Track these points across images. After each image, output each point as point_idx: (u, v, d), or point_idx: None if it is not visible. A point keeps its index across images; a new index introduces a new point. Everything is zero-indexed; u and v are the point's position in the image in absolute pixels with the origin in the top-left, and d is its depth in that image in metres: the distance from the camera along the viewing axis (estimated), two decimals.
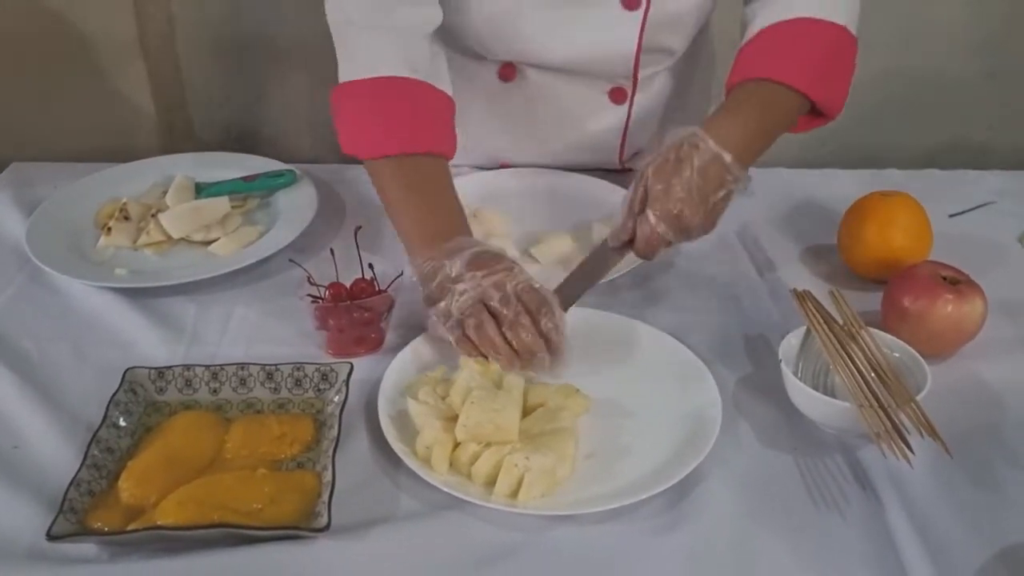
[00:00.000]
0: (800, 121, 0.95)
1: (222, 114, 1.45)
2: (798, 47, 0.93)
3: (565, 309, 0.83)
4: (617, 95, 1.07)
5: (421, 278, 0.85)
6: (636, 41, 1.00)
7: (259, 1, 1.37)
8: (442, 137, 0.95)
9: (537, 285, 0.82)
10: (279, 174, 1.11)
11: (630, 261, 0.92)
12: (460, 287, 0.81)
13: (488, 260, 0.83)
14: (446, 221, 0.89)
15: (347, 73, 0.94)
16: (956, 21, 1.45)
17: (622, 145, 1.13)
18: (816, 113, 0.95)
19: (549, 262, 0.98)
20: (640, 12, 0.98)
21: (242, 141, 1.45)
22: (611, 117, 1.09)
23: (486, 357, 0.80)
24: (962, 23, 1.46)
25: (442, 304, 0.82)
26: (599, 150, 1.13)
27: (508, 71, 1.06)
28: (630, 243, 0.87)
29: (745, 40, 0.96)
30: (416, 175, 0.92)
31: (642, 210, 0.85)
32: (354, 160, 0.98)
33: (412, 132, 0.92)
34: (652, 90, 1.10)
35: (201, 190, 1.09)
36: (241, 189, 1.09)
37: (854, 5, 0.95)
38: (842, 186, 1.10)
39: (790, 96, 0.91)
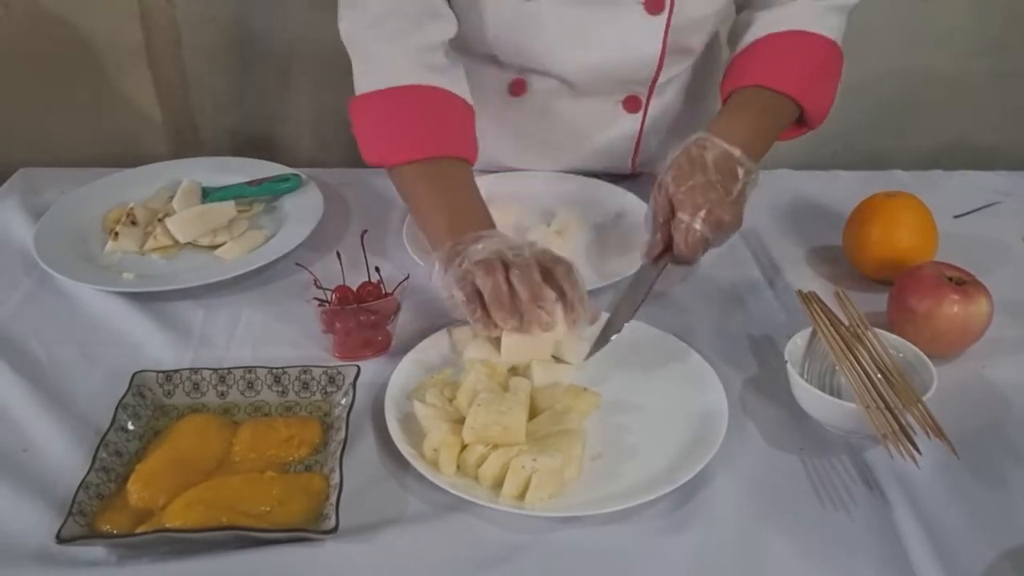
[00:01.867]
0: (789, 128, 1.00)
1: (228, 119, 1.45)
2: (794, 58, 0.97)
3: (615, 332, 0.84)
4: (631, 104, 1.07)
5: (444, 261, 0.84)
6: (660, 46, 0.99)
7: (265, 6, 1.37)
8: (466, 142, 0.96)
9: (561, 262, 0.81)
10: (284, 178, 1.11)
11: (671, 275, 0.93)
12: (477, 246, 0.81)
13: (512, 241, 0.83)
14: (474, 219, 0.89)
15: (365, 85, 0.95)
16: (961, 22, 1.45)
17: (635, 152, 1.13)
18: (801, 122, 1.01)
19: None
20: (664, 16, 0.97)
21: (248, 146, 1.45)
22: (625, 126, 1.09)
23: (495, 326, 0.79)
24: (967, 24, 1.46)
25: (460, 268, 0.81)
26: (611, 157, 1.13)
27: (518, 87, 1.06)
28: (665, 253, 0.88)
29: (741, 47, 1.00)
30: (443, 177, 0.93)
31: (667, 219, 0.87)
32: (360, 164, 0.99)
33: (437, 137, 0.94)
34: (666, 97, 1.10)
35: (207, 195, 1.10)
36: (247, 194, 1.10)
37: (841, 21, 1.01)
38: (847, 187, 1.10)
39: (785, 103, 0.96)
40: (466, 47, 1.02)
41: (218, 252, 1.01)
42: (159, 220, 1.03)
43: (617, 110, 1.07)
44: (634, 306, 0.87)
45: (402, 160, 0.93)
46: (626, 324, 0.85)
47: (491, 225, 0.89)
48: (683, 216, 0.85)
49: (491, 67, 1.05)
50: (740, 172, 0.88)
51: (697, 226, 0.85)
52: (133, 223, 1.03)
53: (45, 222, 1.04)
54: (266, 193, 1.11)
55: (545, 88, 1.05)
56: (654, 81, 1.04)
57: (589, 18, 0.97)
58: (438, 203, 0.91)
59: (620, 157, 1.13)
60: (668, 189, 0.87)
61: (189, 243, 1.02)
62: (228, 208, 1.05)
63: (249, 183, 1.11)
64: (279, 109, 1.45)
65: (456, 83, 0.97)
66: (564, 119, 1.08)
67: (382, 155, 0.95)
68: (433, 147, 0.93)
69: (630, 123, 1.09)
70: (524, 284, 0.78)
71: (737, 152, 0.88)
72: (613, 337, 0.84)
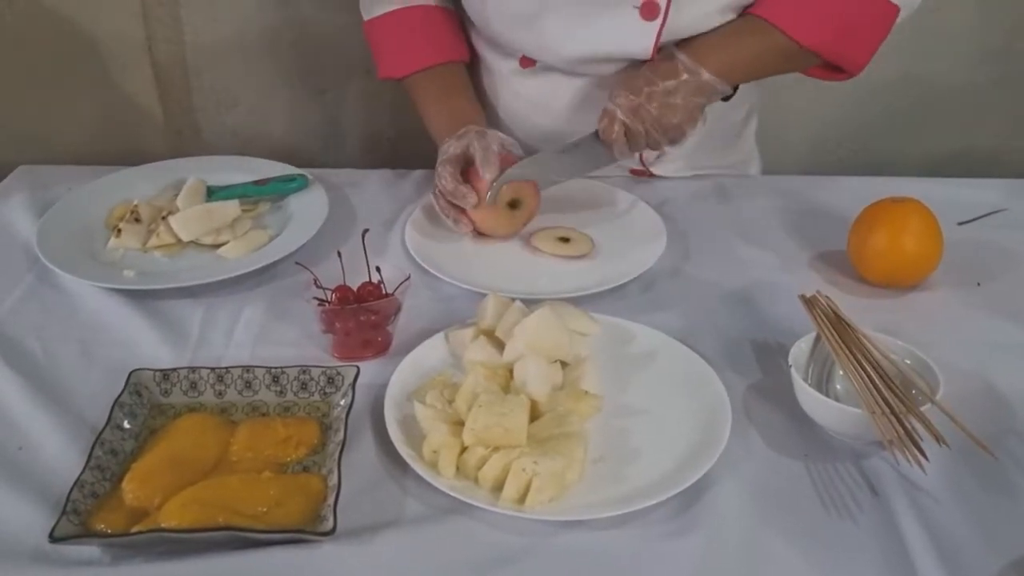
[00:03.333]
0: (819, 71, 1.05)
1: (230, 118, 1.45)
2: (822, 3, 0.99)
3: (514, 178, 0.99)
4: None
5: (439, 156, 1.02)
6: (651, 49, 1.01)
7: (267, 5, 1.37)
8: (457, 45, 1.12)
9: (493, 145, 1.00)
10: (291, 178, 1.11)
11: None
12: (448, 147, 1.01)
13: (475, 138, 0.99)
14: (458, 114, 1.06)
15: (367, 12, 1.12)
16: (965, 29, 1.45)
17: None
18: (832, 68, 1.04)
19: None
20: (657, 23, 0.99)
21: (249, 145, 1.45)
22: None
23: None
24: (971, 31, 1.45)
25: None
26: None
27: (527, 61, 1.10)
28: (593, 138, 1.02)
29: None
30: (441, 84, 1.10)
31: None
32: (362, 164, 0.99)
33: (432, 47, 1.10)
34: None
35: (213, 193, 1.09)
36: (252, 193, 1.09)
37: None
38: (851, 192, 1.09)
39: (783, 41, 0.98)
40: (476, 30, 1.11)
41: (220, 251, 1.01)
42: (163, 218, 1.03)
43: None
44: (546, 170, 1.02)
45: (409, 71, 1.10)
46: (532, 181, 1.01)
47: (475, 122, 1.04)
48: (608, 102, 0.99)
49: (500, 46, 1.10)
50: (683, 75, 0.97)
51: (612, 107, 0.98)
52: (136, 220, 1.03)
53: (49, 218, 1.03)
54: (271, 193, 1.10)
55: (550, 66, 1.09)
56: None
57: (586, 18, 1.01)
58: (437, 110, 1.09)
59: None
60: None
61: (192, 241, 1.02)
62: (232, 207, 1.04)
63: (255, 183, 1.11)
64: (281, 109, 1.45)
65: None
66: (573, 91, 1.10)
67: (390, 71, 1.12)
68: (431, 56, 1.10)
69: None
70: (447, 181, 0.99)
71: (682, 55, 0.98)
72: (504, 183, 0.99)
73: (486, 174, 0.98)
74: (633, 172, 1.18)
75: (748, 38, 1.00)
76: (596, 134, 1.02)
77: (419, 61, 1.10)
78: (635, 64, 1.02)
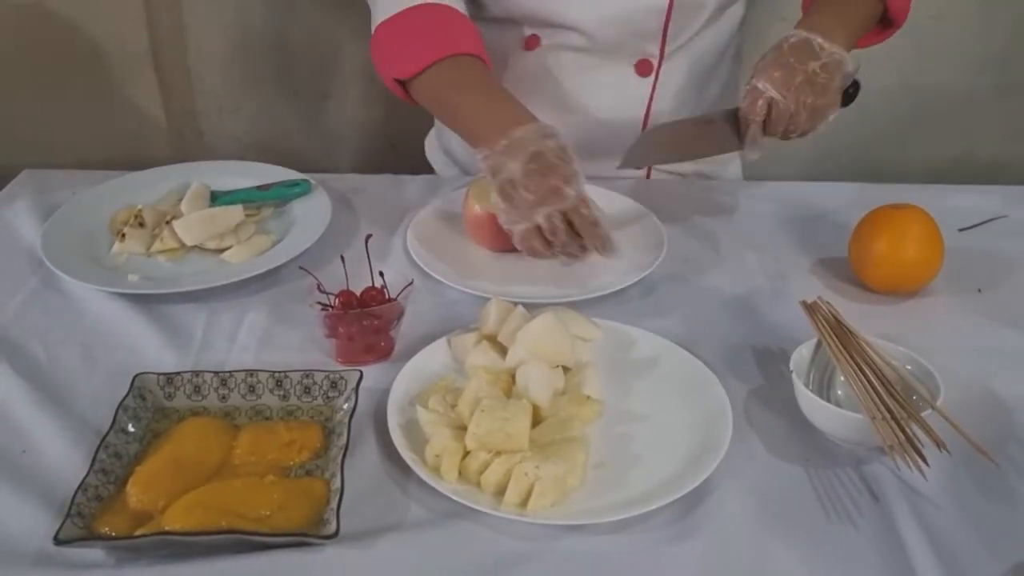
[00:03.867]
0: (873, 32, 1.07)
1: (233, 123, 1.45)
2: None
3: (639, 166, 0.97)
4: (643, 67, 1.09)
5: (489, 171, 0.91)
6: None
7: (271, 11, 1.38)
8: (478, 44, 1.01)
9: (584, 209, 0.90)
10: (294, 183, 1.11)
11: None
12: (517, 214, 0.90)
13: (545, 169, 0.89)
14: (506, 107, 0.95)
15: (382, 13, 1.02)
16: (966, 36, 1.46)
17: (644, 121, 1.13)
18: (885, 23, 1.07)
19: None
20: None
21: (253, 151, 1.45)
22: (635, 90, 1.11)
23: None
24: (972, 38, 1.46)
25: (505, 217, 0.91)
26: (622, 128, 1.13)
27: (532, 41, 1.09)
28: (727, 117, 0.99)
29: None
30: (466, 74, 0.99)
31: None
32: (365, 169, 0.99)
33: (453, 38, 0.99)
34: (677, 67, 1.11)
35: (216, 198, 1.10)
36: (256, 198, 1.10)
37: None
38: (852, 199, 1.10)
39: (872, 2, 1.03)
40: (484, 10, 1.08)
41: (224, 256, 1.01)
42: (166, 223, 1.03)
43: (629, 72, 1.10)
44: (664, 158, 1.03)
45: (423, 65, 0.98)
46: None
47: (523, 110, 0.94)
48: (752, 80, 0.96)
49: (508, 26, 1.09)
50: (822, 53, 0.95)
51: (760, 85, 0.95)
52: (141, 225, 1.03)
53: (53, 222, 1.04)
54: (275, 198, 1.10)
55: (558, 43, 1.08)
56: (664, 42, 1.07)
57: None
58: (465, 97, 0.98)
59: (629, 128, 1.13)
60: (753, 70, 0.97)
61: (196, 246, 1.02)
62: (236, 212, 1.04)
63: (259, 187, 1.11)
64: (284, 114, 1.46)
65: (460, 5, 1.03)
66: (576, 73, 1.10)
67: (400, 71, 0.99)
68: (452, 46, 0.98)
69: (641, 88, 1.11)
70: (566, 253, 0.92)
71: (818, 38, 0.96)
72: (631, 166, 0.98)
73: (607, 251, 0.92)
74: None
75: (847, 6, 1.02)
76: (731, 112, 0.99)
77: (436, 52, 0.99)
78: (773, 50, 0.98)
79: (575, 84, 1.11)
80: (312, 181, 1.12)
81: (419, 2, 1.01)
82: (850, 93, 1.03)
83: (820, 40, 0.96)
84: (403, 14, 1.01)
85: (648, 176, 1.21)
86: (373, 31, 1.03)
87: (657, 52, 1.09)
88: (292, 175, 1.14)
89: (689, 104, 1.15)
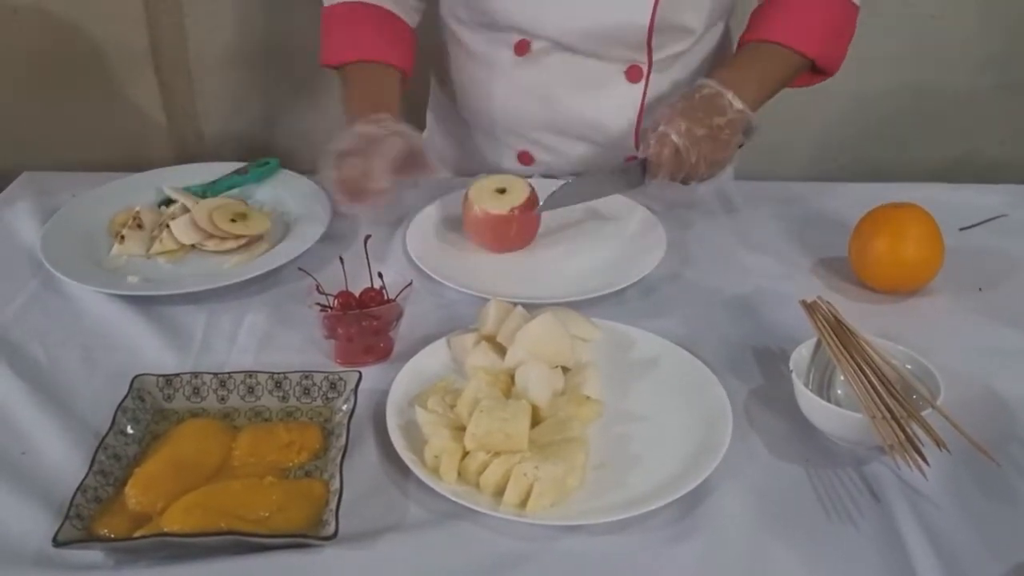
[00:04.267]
0: (801, 79, 1.09)
1: (233, 125, 1.46)
2: (811, 15, 1.06)
3: (550, 208, 1.00)
4: (633, 73, 1.10)
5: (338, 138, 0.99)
6: (649, 15, 1.04)
7: (270, 13, 1.38)
8: (399, 54, 1.10)
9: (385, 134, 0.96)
10: (264, 162, 1.15)
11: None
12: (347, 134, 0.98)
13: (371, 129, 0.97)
14: (375, 104, 1.03)
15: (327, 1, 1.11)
16: (967, 36, 1.46)
17: (637, 127, 1.13)
18: (816, 71, 1.09)
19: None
20: None
21: (253, 152, 1.45)
22: (626, 95, 1.12)
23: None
24: (973, 37, 1.46)
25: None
26: (614, 132, 1.14)
27: (522, 46, 1.10)
28: (637, 163, 1.01)
29: (760, 2, 1.10)
30: (365, 76, 1.09)
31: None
32: None
33: (372, 45, 1.09)
34: (669, 74, 1.12)
35: (203, 192, 1.10)
36: (239, 183, 1.13)
37: None
38: (853, 199, 1.10)
39: (795, 58, 1.05)
40: (474, 13, 1.11)
41: (223, 257, 1.01)
42: (165, 225, 1.03)
43: (619, 78, 1.10)
44: (572, 199, 1.02)
45: (341, 61, 1.10)
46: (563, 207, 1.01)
47: (383, 109, 1.01)
48: (662, 126, 0.98)
49: (498, 32, 1.11)
50: (728, 110, 0.98)
51: (670, 133, 0.97)
52: (139, 227, 1.03)
53: (53, 224, 1.04)
54: (253, 180, 1.14)
55: (547, 49, 1.10)
56: (650, 52, 1.08)
57: None
58: (352, 95, 1.08)
59: (622, 134, 1.14)
60: (657, 114, 1.00)
61: (195, 247, 1.02)
62: (234, 203, 1.05)
63: (237, 172, 1.14)
64: (284, 116, 1.46)
65: (405, 11, 1.13)
66: (567, 78, 1.11)
67: (328, 57, 1.11)
68: (367, 52, 1.09)
69: (632, 93, 1.11)
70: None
71: (729, 94, 0.98)
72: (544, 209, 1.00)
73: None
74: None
75: (768, 65, 1.04)
76: (638, 163, 1.01)
77: (364, 53, 1.09)
78: (681, 92, 1.02)
79: (566, 89, 1.11)
80: (278, 160, 1.16)
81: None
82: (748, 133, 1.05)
83: (731, 97, 0.99)
84: (341, 6, 1.11)
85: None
86: (323, 8, 1.13)
87: (646, 60, 1.09)
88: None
89: None
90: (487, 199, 1.00)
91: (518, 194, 1.01)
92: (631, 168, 1.02)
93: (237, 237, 1.01)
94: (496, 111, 1.16)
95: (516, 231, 1.02)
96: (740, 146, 1.03)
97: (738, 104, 0.99)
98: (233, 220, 1.02)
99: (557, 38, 1.08)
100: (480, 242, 1.03)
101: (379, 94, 1.06)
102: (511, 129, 1.17)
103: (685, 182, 1.02)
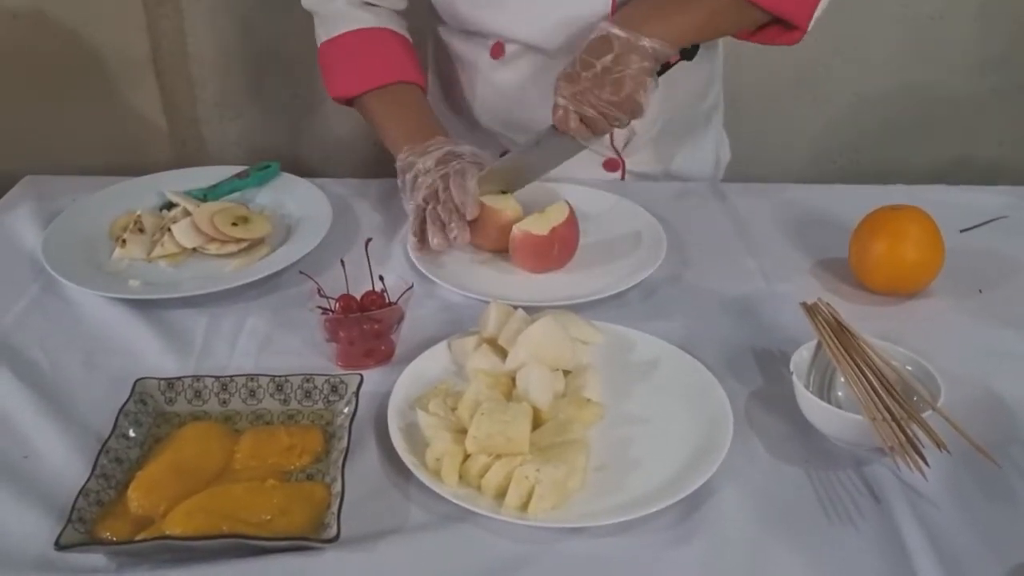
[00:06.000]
0: (770, 33, 1.04)
1: (234, 130, 1.46)
2: None
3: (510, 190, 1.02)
4: None
5: (399, 172, 1.03)
6: (610, 4, 1.03)
7: (271, 18, 1.38)
8: (410, 69, 1.12)
9: (468, 178, 0.97)
10: (265, 165, 1.16)
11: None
12: (424, 159, 1.00)
13: (451, 157, 0.99)
14: (424, 126, 1.06)
15: (326, 34, 1.13)
16: (965, 38, 1.46)
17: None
18: (779, 23, 1.03)
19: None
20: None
21: (253, 156, 1.45)
22: None
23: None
24: (971, 40, 1.46)
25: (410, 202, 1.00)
26: None
27: (497, 49, 1.12)
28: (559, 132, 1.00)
29: None
30: (395, 98, 1.10)
31: None
32: (366, 174, 0.99)
33: (386, 67, 1.11)
34: None
35: (204, 196, 1.11)
36: (240, 187, 1.13)
37: None
38: (852, 201, 1.10)
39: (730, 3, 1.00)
40: (449, 19, 1.13)
41: (224, 261, 1.01)
42: (167, 229, 1.03)
43: None
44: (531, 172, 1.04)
45: (362, 90, 1.10)
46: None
47: (440, 129, 1.04)
48: (556, 97, 0.98)
49: (474, 36, 1.13)
50: (615, 44, 0.95)
51: (558, 100, 0.97)
52: (140, 230, 1.03)
53: (54, 228, 1.04)
54: (253, 184, 1.14)
55: (520, 51, 1.11)
56: None
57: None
58: (390, 117, 1.09)
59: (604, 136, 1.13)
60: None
61: (196, 250, 1.02)
62: (234, 207, 1.05)
63: (237, 175, 1.14)
64: (285, 120, 1.46)
65: (394, 22, 1.14)
66: (542, 80, 1.09)
67: (345, 88, 1.12)
68: (386, 75, 1.10)
69: None
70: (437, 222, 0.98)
71: (615, 29, 0.95)
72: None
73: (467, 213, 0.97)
74: (607, 163, 1.19)
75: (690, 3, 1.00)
76: (552, 127, 1.01)
77: (374, 79, 1.10)
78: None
79: (542, 91, 1.09)
80: (278, 164, 1.17)
81: (358, 27, 1.11)
82: (688, 51, 1.01)
83: (617, 31, 0.95)
84: (343, 37, 1.11)
85: (623, 178, 1.21)
86: (318, 46, 1.14)
87: None
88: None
89: (662, 104, 1.14)
90: (488, 201, 1.00)
91: (558, 214, 0.98)
92: (554, 137, 1.01)
93: (238, 241, 1.02)
94: (477, 109, 1.19)
95: (558, 251, 0.99)
96: (659, 73, 1.00)
97: (626, 35, 0.95)
98: (234, 224, 1.03)
99: (526, 40, 1.09)
100: (480, 245, 1.03)
101: (418, 116, 1.08)
102: (491, 128, 1.19)
103: (617, 126, 1.00)
